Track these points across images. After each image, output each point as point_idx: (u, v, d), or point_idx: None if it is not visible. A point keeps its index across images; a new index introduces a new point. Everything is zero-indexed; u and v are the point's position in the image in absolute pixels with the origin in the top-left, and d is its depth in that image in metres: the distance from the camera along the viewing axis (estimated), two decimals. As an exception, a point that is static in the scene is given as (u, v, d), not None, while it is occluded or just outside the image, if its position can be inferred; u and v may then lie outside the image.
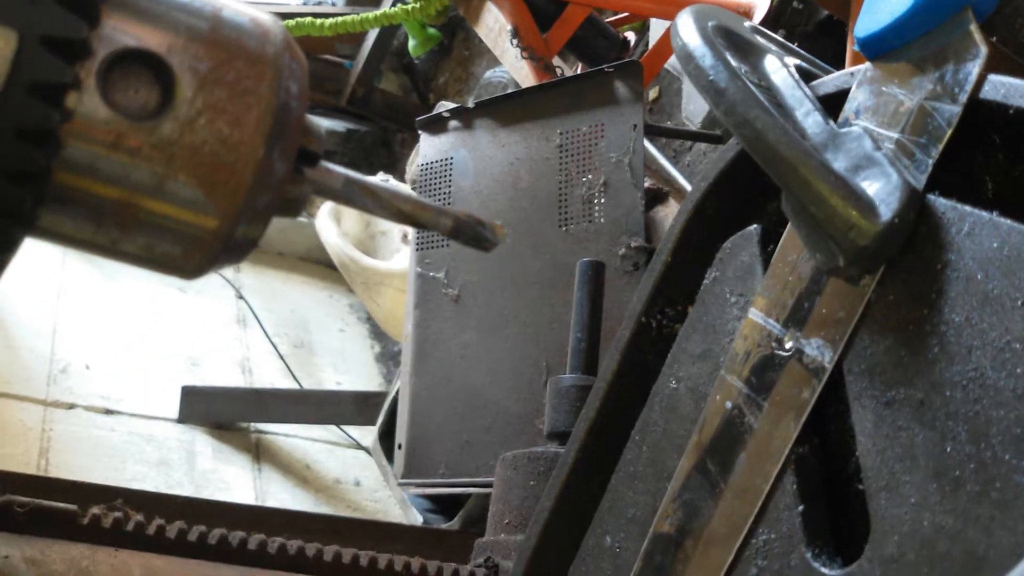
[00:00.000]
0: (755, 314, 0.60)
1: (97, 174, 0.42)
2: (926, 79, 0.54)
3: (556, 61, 1.97)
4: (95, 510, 0.89)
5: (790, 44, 0.68)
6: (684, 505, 0.61)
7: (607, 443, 0.71)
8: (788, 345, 0.58)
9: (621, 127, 1.56)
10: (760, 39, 0.65)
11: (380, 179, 2.36)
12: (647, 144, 1.67)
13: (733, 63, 0.58)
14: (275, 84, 0.42)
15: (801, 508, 0.56)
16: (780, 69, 0.61)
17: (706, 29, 0.60)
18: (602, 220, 1.54)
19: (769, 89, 0.60)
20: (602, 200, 1.57)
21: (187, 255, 0.43)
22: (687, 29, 0.60)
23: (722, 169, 0.66)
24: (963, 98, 0.52)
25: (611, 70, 1.56)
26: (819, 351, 0.56)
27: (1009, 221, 0.49)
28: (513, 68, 2.14)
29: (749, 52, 0.63)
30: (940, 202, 0.52)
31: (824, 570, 0.54)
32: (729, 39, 0.62)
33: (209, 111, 0.41)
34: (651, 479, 0.65)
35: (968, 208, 0.51)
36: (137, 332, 2.28)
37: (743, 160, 0.65)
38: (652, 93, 2.27)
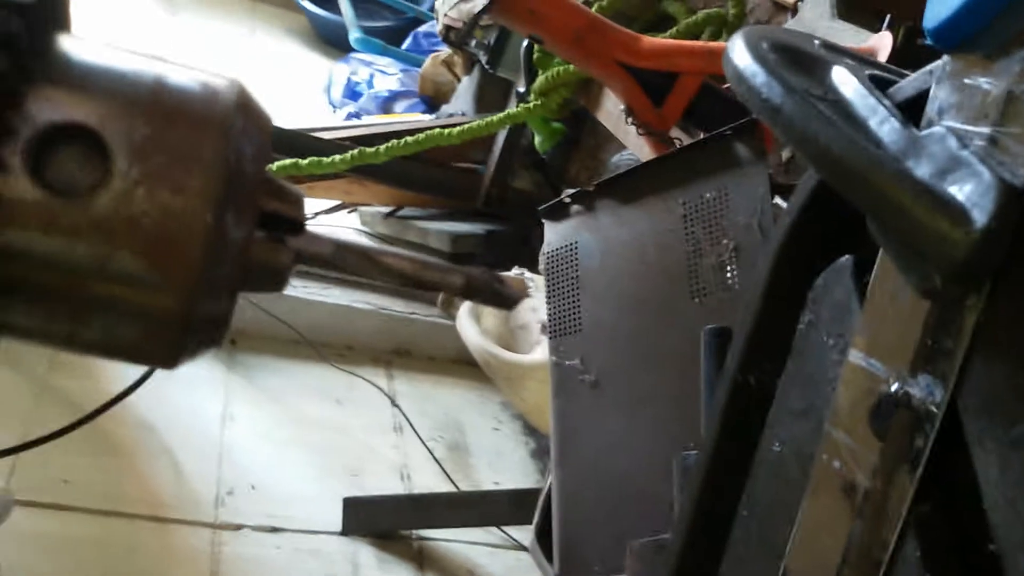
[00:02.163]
0: (855, 356, 0.52)
1: (34, 259, 0.39)
2: (1012, 61, 0.47)
3: (676, 133, 1.93)
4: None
5: (868, 57, 0.62)
6: (799, 586, 0.53)
7: (715, 521, 0.63)
8: (893, 388, 0.49)
9: (747, 189, 1.49)
10: (828, 53, 0.59)
11: (515, 273, 2.36)
12: (780, 202, 1.59)
13: (792, 80, 0.52)
14: (222, 147, 0.39)
15: (932, 580, 0.47)
16: (849, 80, 0.55)
17: (758, 48, 0.54)
18: (737, 287, 1.46)
19: (837, 102, 0.53)
20: (735, 266, 1.49)
21: (150, 338, 0.40)
22: (738, 50, 0.55)
23: (803, 201, 0.59)
24: (1057, 73, 0.44)
25: (729, 133, 1.50)
26: (928, 390, 0.47)
27: None
28: (635, 147, 2.11)
29: (814, 67, 0.56)
30: (1046, 197, 0.44)
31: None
32: (788, 56, 0.56)
33: (148, 180, 0.39)
34: (762, 560, 0.57)
35: (1081, 198, 0.42)
36: (298, 449, 2.34)
37: (825, 187, 0.58)
38: (785, 153, 2.17)
